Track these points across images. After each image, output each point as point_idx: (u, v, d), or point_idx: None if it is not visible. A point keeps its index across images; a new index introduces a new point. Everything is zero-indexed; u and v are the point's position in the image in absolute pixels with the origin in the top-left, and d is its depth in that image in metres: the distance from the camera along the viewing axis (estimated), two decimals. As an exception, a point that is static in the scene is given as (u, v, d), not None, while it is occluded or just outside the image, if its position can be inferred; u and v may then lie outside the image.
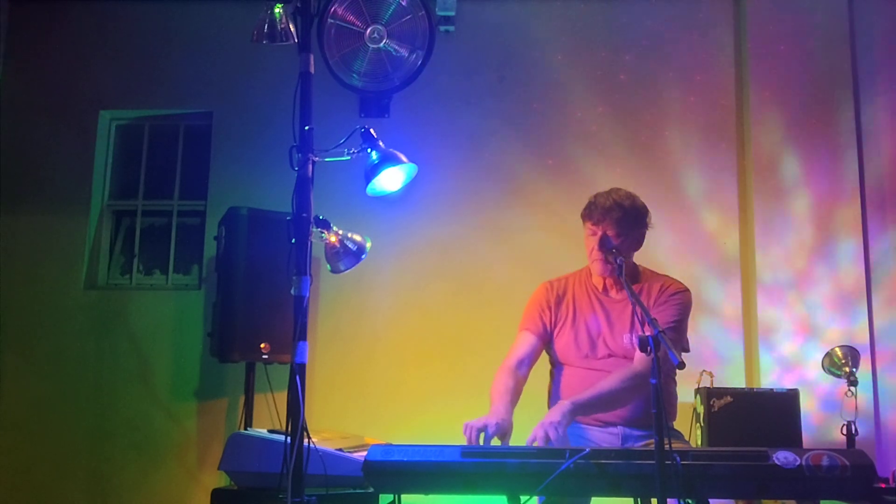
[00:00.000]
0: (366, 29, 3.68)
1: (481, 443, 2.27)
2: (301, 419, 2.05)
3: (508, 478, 2.02)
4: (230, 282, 3.59)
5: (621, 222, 2.65)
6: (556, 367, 2.80)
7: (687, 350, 2.74)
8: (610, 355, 2.66)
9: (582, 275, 2.84)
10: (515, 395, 2.58)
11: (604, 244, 2.65)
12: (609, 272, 2.70)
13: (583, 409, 2.46)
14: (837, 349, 3.50)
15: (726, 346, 3.99)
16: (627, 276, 2.54)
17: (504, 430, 2.36)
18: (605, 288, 2.77)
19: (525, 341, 2.75)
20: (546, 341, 2.78)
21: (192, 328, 4.12)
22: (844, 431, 3.37)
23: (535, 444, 2.25)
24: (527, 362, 2.72)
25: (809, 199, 3.98)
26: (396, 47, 3.72)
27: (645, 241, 2.80)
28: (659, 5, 4.31)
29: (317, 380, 3.93)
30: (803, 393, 3.53)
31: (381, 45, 3.70)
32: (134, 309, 4.20)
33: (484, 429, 2.30)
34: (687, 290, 2.74)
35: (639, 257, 2.84)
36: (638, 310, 2.25)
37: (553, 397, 2.78)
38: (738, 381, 3.91)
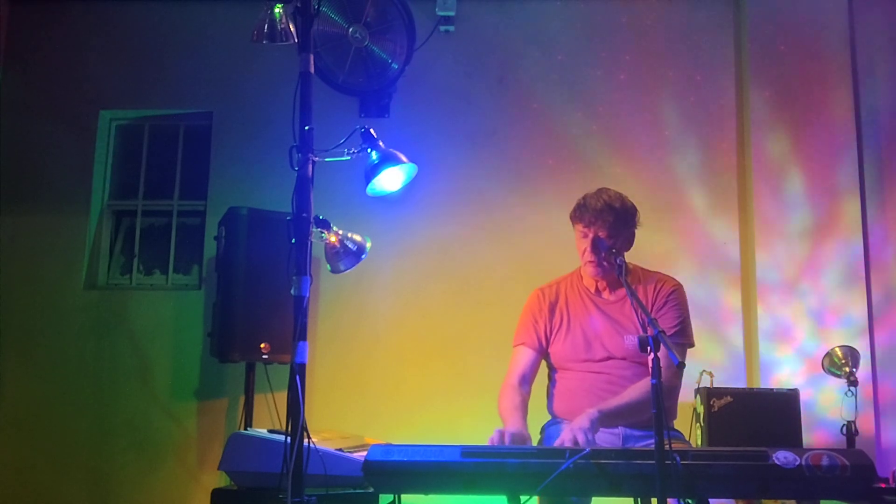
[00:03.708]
0: (347, 29, 3.72)
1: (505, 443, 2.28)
2: (301, 419, 2.06)
3: (508, 478, 2.02)
4: (230, 282, 3.59)
5: (613, 224, 2.63)
6: (554, 371, 2.80)
7: (692, 345, 2.74)
8: (609, 357, 2.65)
9: (573, 278, 2.83)
10: (524, 410, 2.58)
11: (596, 246, 2.64)
12: (602, 274, 2.69)
13: (608, 418, 2.45)
14: (837, 349, 3.50)
15: (726, 346, 3.99)
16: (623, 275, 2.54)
17: (524, 439, 2.36)
18: (597, 290, 2.76)
19: (523, 357, 2.74)
20: (543, 353, 2.77)
21: (192, 328, 4.12)
22: (844, 431, 3.37)
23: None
24: (528, 378, 2.72)
25: (809, 200, 3.98)
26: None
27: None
28: (659, 5, 4.30)
29: (317, 380, 3.93)
30: (803, 393, 3.53)
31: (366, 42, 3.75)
32: (134, 309, 4.20)
33: (502, 433, 2.30)
34: (679, 284, 2.74)
35: (640, 257, 2.84)
36: (639, 311, 2.25)
37: (552, 402, 2.78)
38: (738, 381, 3.91)
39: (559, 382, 2.76)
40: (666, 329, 2.52)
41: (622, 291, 2.69)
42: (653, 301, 2.68)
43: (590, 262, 2.67)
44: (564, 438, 2.29)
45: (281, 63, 3.76)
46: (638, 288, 2.70)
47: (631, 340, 2.61)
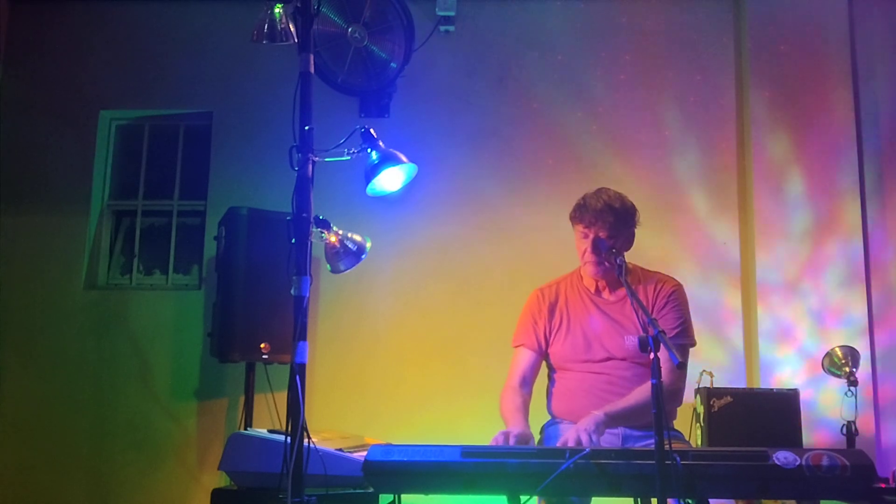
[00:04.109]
0: (346, 29, 3.73)
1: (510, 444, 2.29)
2: (301, 419, 2.06)
3: (508, 478, 2.02)
4: (230, 282, 3.58)
5: (613, 224, 2.63)
6: (554, 371, 2.80)
7: (693, 345, 2.74)
8: (609, 358, 2.65)
9: (573, 278, 2.83)
10: (526, 412, 2.59)
11: (597, 246, 2.64)
12: (602, 274, 2.69)
13: (614, 421, 2.47)
14: (837, 349, 3.50)
15: (726, 346, 3.99)
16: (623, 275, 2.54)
17: (527, 440, 2.37)
18: (597, 290, 2.77)
19: (524, 359, 2.75)
20: (543, 354, 2.78)
21: (192, 328, 4.12)
22: (844, 431, 3.37)
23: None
24: (529, 380, 2.72)
25: (809, 200, 3.98)
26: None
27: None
28: (659, 5, 4.30)
29: (317, 380, 3.93)
30: (803, 393, 3.53)
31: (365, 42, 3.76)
32: (134, 309, 4.20)
33: (507, 434, 2.32)
34: (679, 284, 2.75)
35: (640, 257, 2.84)
36: (640, 311, 2.25)
37: (551, 402, 2.78)
38: (738, 381, 3.91)
39: (559, 382, 2.76)
40: (667, 330, 2.52)
41: (622, 291, 2.69)
42: (653, 301, 2.68)
43: (590, 262, 2.67)
44: (568, 438, 2.29)
45: (281, 63, 3.76)
46: (638, 288, 2.70)
47: (631, 341, 2.61)
